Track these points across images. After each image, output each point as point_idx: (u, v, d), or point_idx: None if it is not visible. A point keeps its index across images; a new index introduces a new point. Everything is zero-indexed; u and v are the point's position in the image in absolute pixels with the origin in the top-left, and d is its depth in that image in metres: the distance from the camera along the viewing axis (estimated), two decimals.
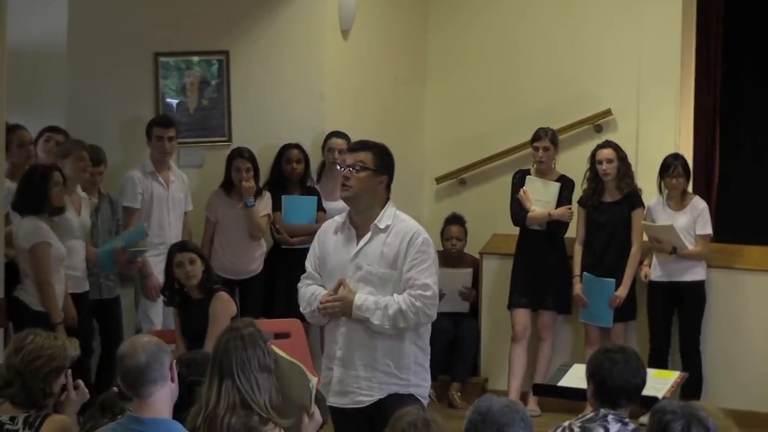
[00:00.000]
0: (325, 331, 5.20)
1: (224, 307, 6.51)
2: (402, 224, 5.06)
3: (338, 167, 5.16)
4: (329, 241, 5.15)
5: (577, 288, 8.03)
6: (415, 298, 4.96)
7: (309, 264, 5.20)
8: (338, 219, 5.18)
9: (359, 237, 5.06)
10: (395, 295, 4.97)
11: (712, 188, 9.19)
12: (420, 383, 5.11)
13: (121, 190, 7.68)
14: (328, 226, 5.22)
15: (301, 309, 5.23)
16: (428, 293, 4.99)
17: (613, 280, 7.91)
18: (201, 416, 4.02)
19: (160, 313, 7.63)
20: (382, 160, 5.08)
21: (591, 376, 4.33)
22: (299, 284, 5.23)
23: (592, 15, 8.86)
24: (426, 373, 5.16)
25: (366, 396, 5.03)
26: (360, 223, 5.08)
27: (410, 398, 4.95)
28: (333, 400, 5.00)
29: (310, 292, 5.13)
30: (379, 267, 4.99)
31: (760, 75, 9.61)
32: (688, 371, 6.22)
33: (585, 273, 8.01)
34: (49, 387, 4.27)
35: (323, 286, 5.12)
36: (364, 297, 4.96)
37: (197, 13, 8.25)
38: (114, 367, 4.13)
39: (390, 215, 5.06)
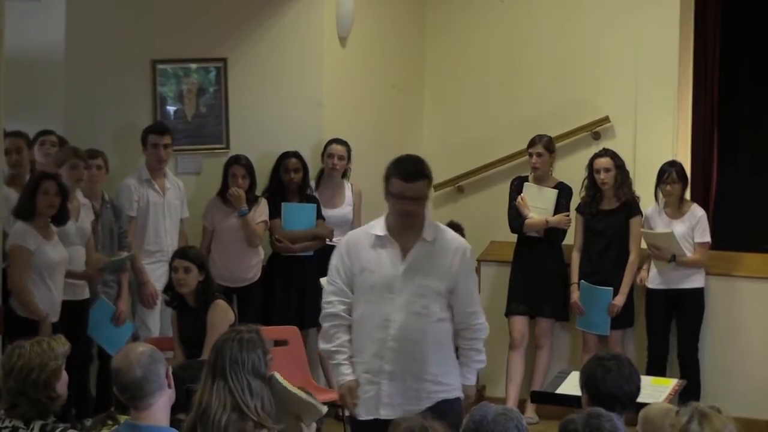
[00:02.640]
0: (359, 343, 5.06)
1: (221, 315, 6.50)
2: (445, 235, 5.11)
3: (403, 202, 5.01)
4: (367, 256, 5.05)
5: (575, 296, 8.02)
6: (472, 338, 5.12)
7: (337, 278, 5.08)
8: (370, 232, 5.10)
9: (404, 250, 5.03)
10: (460, 342, 5.13)
11: (710, 196, 9.17)
12: (459, 384, 5.16)
13: (117, 197, 7.67)
14: (360, 240, 5.11)
15: (319, 346, 5.19)
16: (480, 320, 5.15)
17: (611, 288, 7.90)
18: (194, 413, 4.02)
19: (157, 321, 7.64)
20: (431, 182, 5.13)
21: (584, 384, 4.34)
22: (325, 307, 5.12)
23: (589, 23, 8.86)
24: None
25: (415, 406, 4.92)
26: (401, 236, 5.05)
27: (456, 402, 5.07)
28: (382, 413, 4.98)
29: (338, 358, 5.08)
30: (433, 281, 5.01)
31: (757, 82, 9.59)
32: (686, 379, 6.23)
33: (582, 281, 8.00)
34: (54, 392, 4.26)
35: (347, 313, 5.06)
36: (465, 377, 5.14)
37: (195, 20, 8.25)
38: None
39: (431, 226, 5.10)
